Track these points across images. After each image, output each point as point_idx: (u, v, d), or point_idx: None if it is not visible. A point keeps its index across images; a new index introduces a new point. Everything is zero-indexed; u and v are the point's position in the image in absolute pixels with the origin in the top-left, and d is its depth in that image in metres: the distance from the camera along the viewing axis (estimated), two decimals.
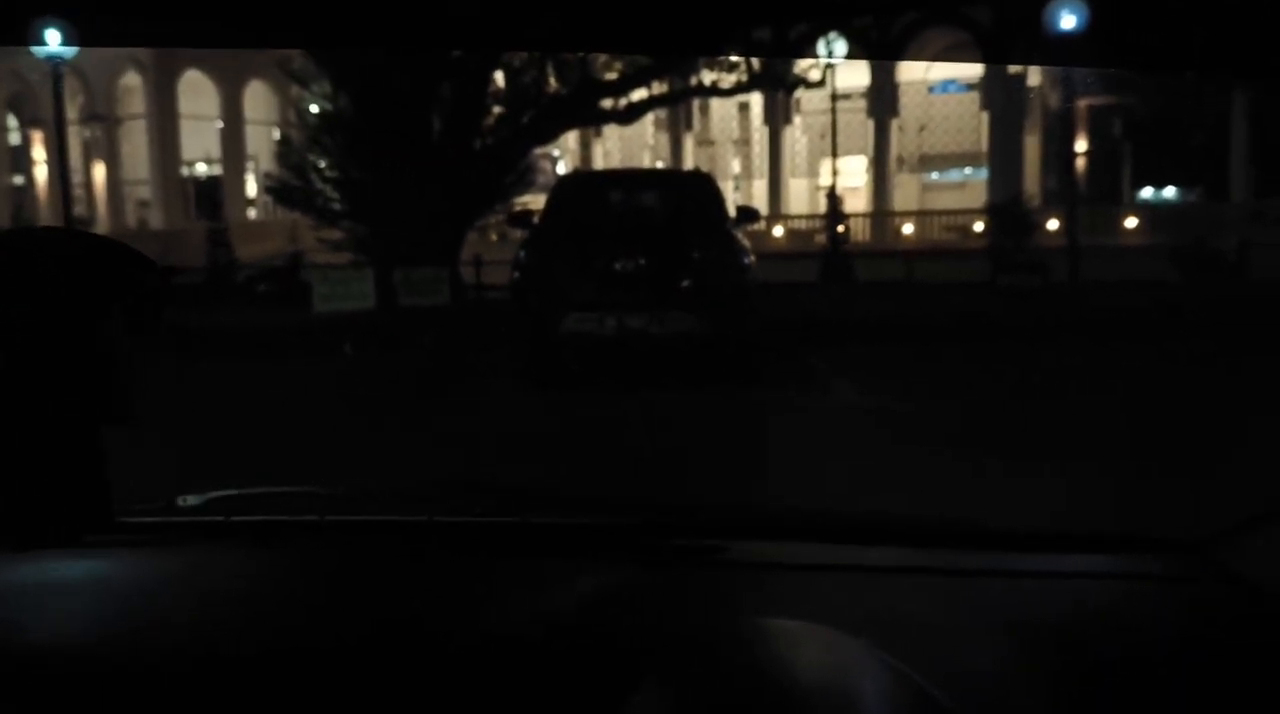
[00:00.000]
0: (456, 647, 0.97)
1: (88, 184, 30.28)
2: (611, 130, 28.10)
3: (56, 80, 15.32)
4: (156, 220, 28.90)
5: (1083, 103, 25.13)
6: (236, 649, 0.98)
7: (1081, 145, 25.99)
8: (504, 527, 1.27)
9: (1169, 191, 27.08)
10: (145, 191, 30.03)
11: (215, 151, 30.30)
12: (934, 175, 27.97)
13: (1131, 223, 23.09)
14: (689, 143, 29.04)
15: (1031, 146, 25.37)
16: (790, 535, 1.26)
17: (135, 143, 29.91)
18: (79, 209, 26.80)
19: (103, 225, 29.50)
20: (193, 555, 1.21)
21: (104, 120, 29.64)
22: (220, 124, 30.01)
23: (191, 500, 1.38)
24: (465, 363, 9.95)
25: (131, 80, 29.19)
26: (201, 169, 30.96)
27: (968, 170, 27.28)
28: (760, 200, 26.37)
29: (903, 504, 4.64)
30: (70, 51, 14.29)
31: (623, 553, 1.17)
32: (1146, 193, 27.25)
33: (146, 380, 0.74)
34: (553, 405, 8.04)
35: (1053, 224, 20.97)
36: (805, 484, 5.38)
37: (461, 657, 0.95)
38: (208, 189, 29.92)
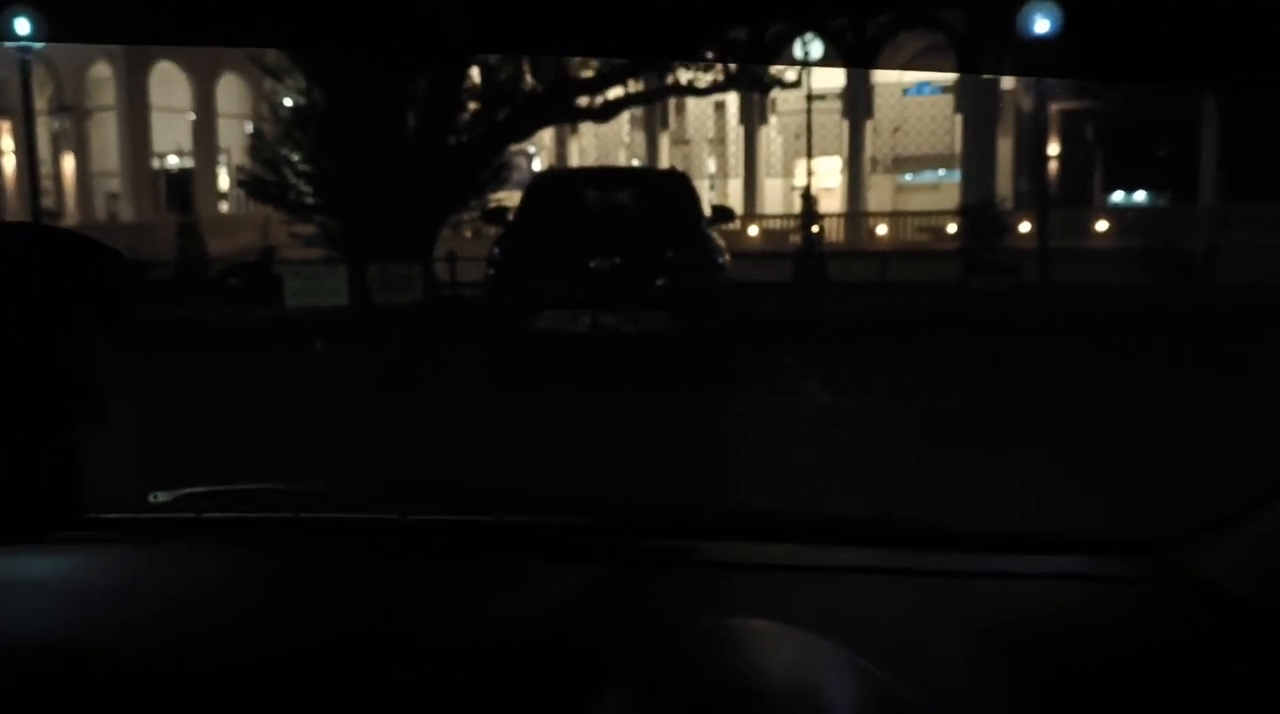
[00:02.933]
0: (427, 646, 0.96)
1: (56, 176, 29.96)
2: (587, 128, 28.09)
3: (25, 70, 15.13)
4: (126, 213, 28.65)
5: (1054, 107, 25.35)
6: (207, 648, 0.97)
7: (1053, 149, 26.23)
8: (475, 526, 1.27)
9: (1139, 195, 27.39)
10: (115, 184, 29.76)
11: (187, 144, 30.06)
12: (908, 177, 28.16)
13: (1102, 226, 23.35)
14: (665, 141, 29.07)
15: (1004, 149, 25.60)
16: (759, 536, 1.26)
17: (105, 134, 29.62)
18: (47, 201, 26.48)
19: (71, 217, 29.22)
20: (163, 553, 1.20)
21: (73, 111, 29.32)
22: (192, 116, 29.76)
23: (162, 497, 1.36)
24: (438, 359, 9.93)
25: (102, 71, 28.90)
26: (173, 162, 30.69)
27: (941, 172, 27.47)
28: (735, 199, 26.45)
29: (872, 502, 4.64)
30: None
31: (592, 553, 1.17)
32: (1117, 196, 27.55)
33: (116, 374, 0.74)
34: (525, 403, 8.02)
35: (1025, 226, 21.16)
36: (777, 481, 5.40)
37: (432, 656, 0.95)
38: (179, 182, 29.66)
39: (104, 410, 0.71)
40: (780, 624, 0.95)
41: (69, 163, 30.10)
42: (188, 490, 1.37)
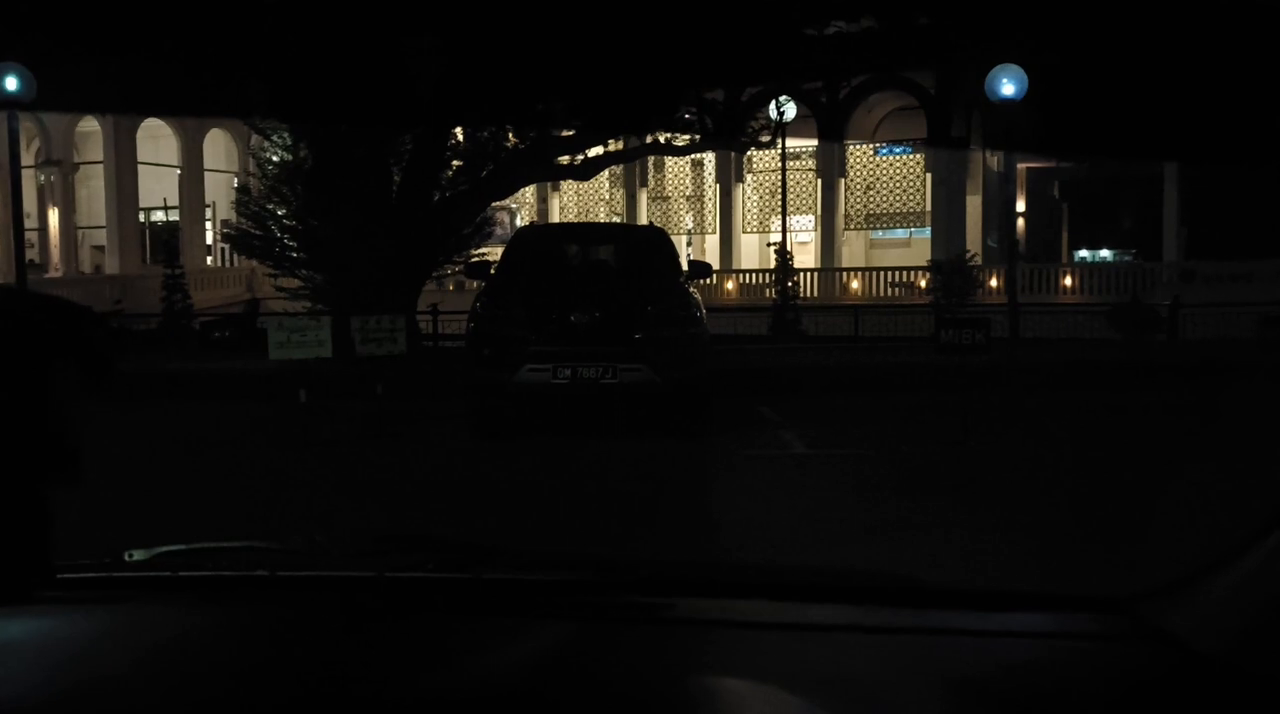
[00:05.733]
0: (402, 703, 0.96)
1: (43, 228, 30.03)
2: (569, 185, 28.50)
3: (12, 124, 15.27)
4: (112, 266, 28.70)
5: (1022, 165, 25.94)
6: (181, 708, 0.96)
7: (1021, 206, 26.81)
8: (453, 583, 1.27)
9: (1105, 252, 27.96)
10: (101, 236, 29.83)
11: (173, 198, 30.17)
12: (880, 233, 28.63)
13: (1069, 281, 23.76)
14: (644, 198, 29.46)
15: (973, 207, 26.07)
16: (734, 592, 1.28)
17: (93, 188, 29.74)
18: (33, 254, 26.53)
19: (57, 270, 29.26)
20: (139, 612, 1.18)
21: (60, 165, 29.48)
22: (179, 171, 29.96)
23: (138, 555, 1.34)
24: (420, 411, 9.93)
25: (90, 126, 29.12)
26: (159, 215, 30.82)
27: (912, 228, 27.98)
28: (712, 255, 26.85)
29: (845, 554, 4.75)
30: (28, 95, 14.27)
31: (570, 610, 1.18)
32: (1083, 252, 28.11)
33: (98, 427, 0.77)
34: (505, 456, 8.06)
35: (994, 281, 21.59)
36: (754, 532, 5.47)
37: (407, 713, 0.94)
38: (165, 235, 29.77)
39: (79, 472, 0.73)
40: (753, 682, 0.95)
41: (55, 216, 30.19)
42: (164, 548, 1.35)
